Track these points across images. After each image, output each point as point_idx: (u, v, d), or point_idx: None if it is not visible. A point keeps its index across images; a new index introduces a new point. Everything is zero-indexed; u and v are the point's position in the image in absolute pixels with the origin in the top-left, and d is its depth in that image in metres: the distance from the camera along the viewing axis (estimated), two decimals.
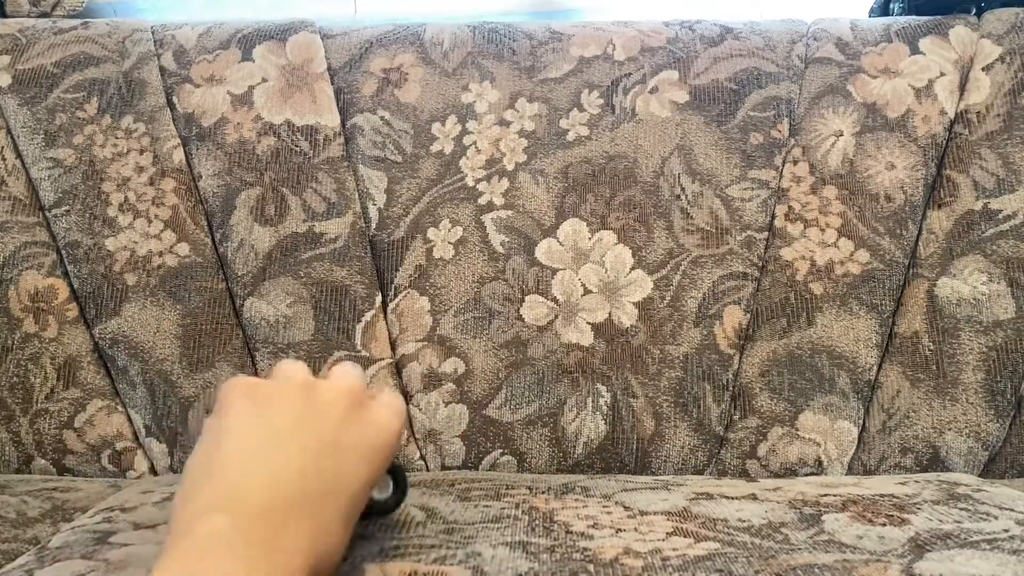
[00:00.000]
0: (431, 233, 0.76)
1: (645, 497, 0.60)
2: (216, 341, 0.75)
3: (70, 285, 0.76)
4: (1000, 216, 0.75)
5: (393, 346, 0.75)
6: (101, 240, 0.76)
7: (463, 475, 0.69)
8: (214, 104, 0.79)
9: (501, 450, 0.73)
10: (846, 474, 0.73)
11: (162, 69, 0.80)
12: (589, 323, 0.74)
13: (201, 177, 0.78)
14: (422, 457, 0.74)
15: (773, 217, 0.76)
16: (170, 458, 0.74)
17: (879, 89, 0.78)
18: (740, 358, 0.74)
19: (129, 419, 0.75)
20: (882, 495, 0.60)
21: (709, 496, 0.60)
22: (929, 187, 0.76)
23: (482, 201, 0.77)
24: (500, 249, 0.76)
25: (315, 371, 0.74)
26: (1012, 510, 0.55)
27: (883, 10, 0.94)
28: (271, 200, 0.77)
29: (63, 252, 0.76)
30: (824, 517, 0.55)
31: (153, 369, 0.75)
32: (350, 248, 0.76)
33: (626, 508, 0.57)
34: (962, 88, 0.78)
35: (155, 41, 0.82)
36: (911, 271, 0.75)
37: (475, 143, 0.78)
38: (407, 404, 0.74)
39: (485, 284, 0.75)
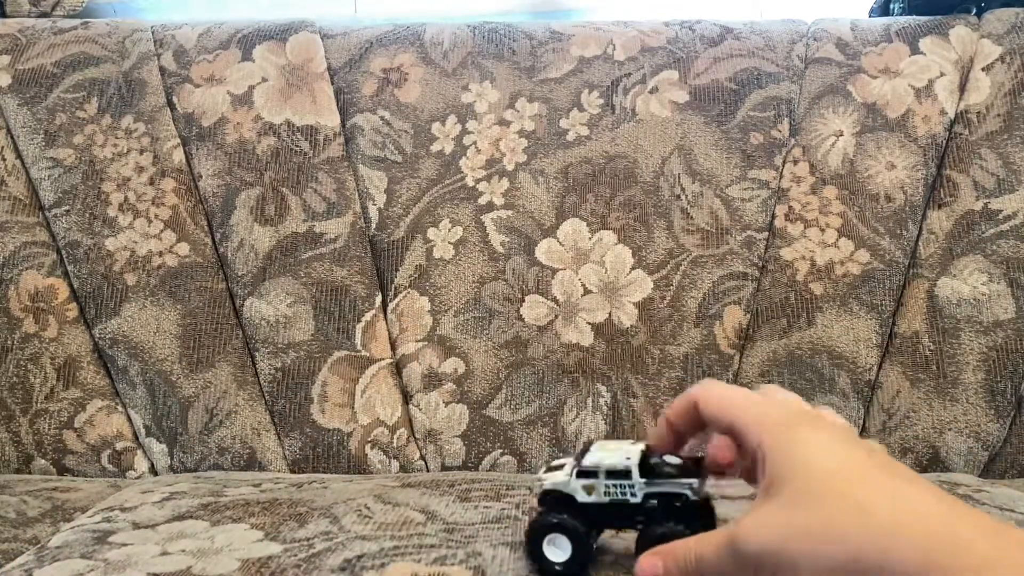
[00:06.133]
0: (431, 233, 0.76)
1: None
2: (216, 341, 0.75)
3: (70, 285, 0.76)
4: (1000, 216, 0.74)
5: (393, 346, 0.75)
6: (101, 240, 0.76)
7: (463, 475, 0.69)
8: (214, 104, 0.79)
9: (501, 450, 0.73)
10: None
11: (162, 69, 0.80)
12: (589, 323, 0.74)
13: (201, 177, 0.78)
14: (422, 457, 0.74)
15: (773, 217, 0.76)
16: (170, 458, 0.74)
17: (879, 89, 0.78)
18: (740, 358, 0.74)
19: (129, 419, 0.75)
20: None
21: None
22: (929, 187, 0.76)
23: (482, 201, 0.77)
24: (500, 249, 0.76)
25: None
26: (1012, 511, 0.55)
27: (883, 10, 0.94)
28: (271, 200, 0.77)
29: (63, 252, 0.76)
30: None
31: (153, 369, 0.74)
32: (350, 248, 0.76)
33: None
34: (962, 88, 0.78)
35: (155, 41, 0.82)
36: (911, 271, 0.75)
37: (475, 143, 0.78)
38: (407, 404, 0.74)
39: (485, 284, 0.75)
